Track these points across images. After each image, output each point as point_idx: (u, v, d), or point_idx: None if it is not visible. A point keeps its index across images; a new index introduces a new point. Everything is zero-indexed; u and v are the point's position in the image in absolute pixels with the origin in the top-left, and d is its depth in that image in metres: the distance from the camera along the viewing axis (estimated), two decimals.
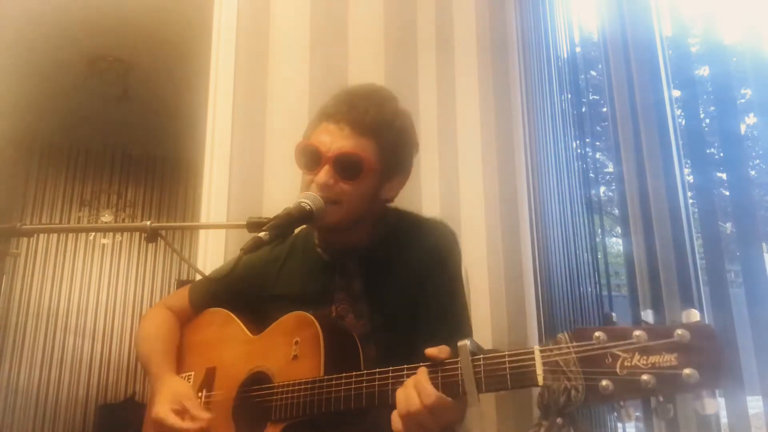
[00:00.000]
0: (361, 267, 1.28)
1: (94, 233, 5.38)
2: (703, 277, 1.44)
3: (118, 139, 5.28)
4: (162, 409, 1.15)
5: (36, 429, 4.85)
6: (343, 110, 1.22)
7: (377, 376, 0.99)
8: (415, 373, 0.94)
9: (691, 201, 1.50)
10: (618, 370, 0.74)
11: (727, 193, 1.51)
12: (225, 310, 1.36)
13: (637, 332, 0.74)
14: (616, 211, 1.91)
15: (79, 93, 4.23)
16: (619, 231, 1.74)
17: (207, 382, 1.27)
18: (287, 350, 1.15)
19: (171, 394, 1.18)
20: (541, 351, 0.81)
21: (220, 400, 1.23)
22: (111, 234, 5.35)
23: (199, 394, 1.27)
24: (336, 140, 1.19)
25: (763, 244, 1.41)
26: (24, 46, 3.66)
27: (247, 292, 1.36)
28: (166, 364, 1.30)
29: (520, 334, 2.03)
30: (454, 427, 1.03)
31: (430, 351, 0.94)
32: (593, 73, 2.08)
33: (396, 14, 2.24)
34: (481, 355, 0.88)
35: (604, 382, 0.74)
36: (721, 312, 1.38)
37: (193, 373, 1.32)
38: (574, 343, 0.78)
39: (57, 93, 4.29)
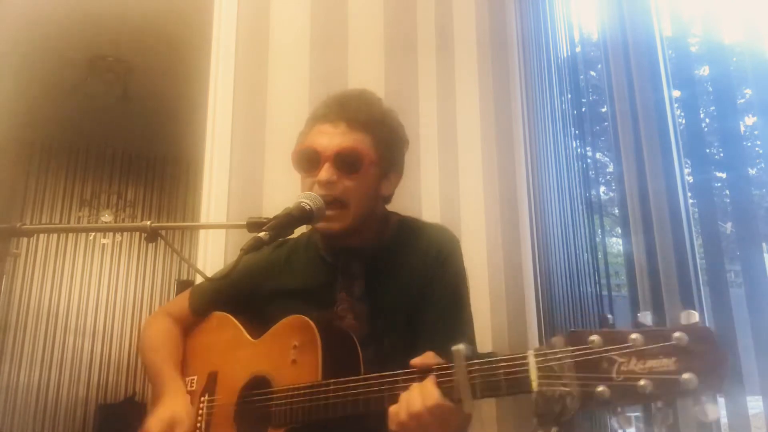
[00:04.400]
0: (364, 269, 1.28)
1: (94, 233, 5.37)
2: (703, 278, 1.43)
3: (118, 139, 5.28)
4: (154, 426, 1.17)
5: (36, 429, 4.85)
6: (336, 110, 1.24)
7: (374, 381, 0.99)
8: (412, 377, 0.94)
9: (691, 201, 1.50)
10: (614, 375, 0.71)
11: (727, 193, 1.51)
12: (226, 314, 1.35)
13: (633, 335, 0.72)
14: (616, 211, 1.91)
15: (79, 93, 4.22)
16: (619, 231, 1.74)
17: (209, 386, 1.27)
18: (286, 354, 1.15)
19: (169, 414, 1.19)
20: (536, 356, 0.79)
21: (222, 404, 1.23)
22: (111, 234, 5.34)
23: (202, 398, 1.27)
24: (334, 138, 1.21)
25: (763, 244, 1.41)
26: (24, 47, 3.65)
27: (248, 293, 1.36)
28: (175, 377, 1.30)
29: (520, 334, 2.03)
30: None
31: (415, 361, 0.94)
32: (593, 73, 2.08)
33: (396, 15, 2.24)
34: (476, 360, 0.86)
35: (600, 388, 0.71)
36: (721, 312, 1.38)
37: (195, 377, 1.32)
38: (569, 348, 0.75)
39: (57, 93, 4.28)
